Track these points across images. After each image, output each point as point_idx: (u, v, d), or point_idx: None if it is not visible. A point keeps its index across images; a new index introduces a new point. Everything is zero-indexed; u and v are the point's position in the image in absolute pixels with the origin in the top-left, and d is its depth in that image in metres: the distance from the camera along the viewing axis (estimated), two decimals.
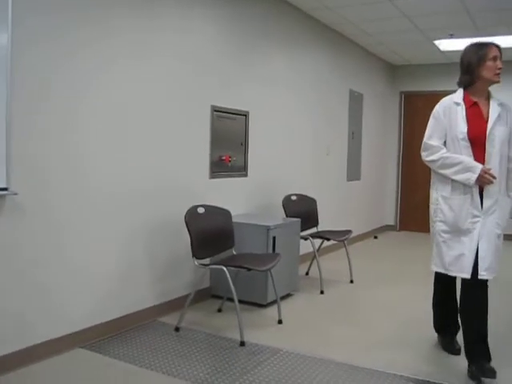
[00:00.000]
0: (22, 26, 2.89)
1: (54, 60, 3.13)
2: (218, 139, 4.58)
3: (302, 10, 5.84)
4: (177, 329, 3.73)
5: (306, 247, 5.23)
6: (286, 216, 5.03)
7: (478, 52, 3.03)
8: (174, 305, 4.09)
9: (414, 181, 8.79)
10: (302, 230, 4.97)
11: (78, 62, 3.28)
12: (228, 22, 4.69)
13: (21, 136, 2.93)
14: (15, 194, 2.85)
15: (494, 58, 3.01)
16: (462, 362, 3.13)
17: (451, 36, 6.70)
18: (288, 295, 4.67)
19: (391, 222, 9.10)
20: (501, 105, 3.11)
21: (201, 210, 3.89)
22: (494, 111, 3.05)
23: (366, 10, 5.76)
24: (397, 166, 9.05)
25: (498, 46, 3.06)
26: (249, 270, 3.66)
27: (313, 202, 5.54)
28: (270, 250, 4.28)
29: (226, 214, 4.16)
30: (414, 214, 8.84)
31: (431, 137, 3.14)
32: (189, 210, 3.76)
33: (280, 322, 3.94)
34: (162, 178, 4.00)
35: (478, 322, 3.00)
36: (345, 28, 6.63)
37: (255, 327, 3.84)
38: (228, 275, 3.53)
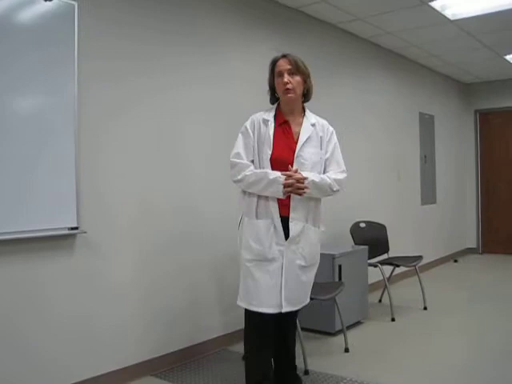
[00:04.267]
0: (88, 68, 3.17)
1: (119, 100, 3.38)
2: None
3: (362, 38, 5.90)
4: (244, 357, 3.81)
5: (378, 275, 5.17)
6: (355, 243, 5.03)
7: (270, 70, 2.96)
8: (242, 334, 4.17)
9: (496, 201, 8.48)
10: (371, 257, 4.94)
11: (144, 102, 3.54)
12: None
13: (88, 174, 3.16)
14: (85, 232, 3.08)
15: (279, 74, 2.86)
16: None
17: None
18: (358, 323, 4.64)
19: (473, 245, 8.72)
20: (314, 125, 2.93)
21: None
22: (304, 132, 2.88)
23: (428, 33, 5.73)
24: (476, 186, 8.71)
25: (286, 57, 2.88)
26: (312, 299, 3.69)
27: (382, 228, 5.49)
28: (337, 279, 4.29)
29: None
30: (497, 235, 8.49)
31: (238, 154, 2.87)
32: None
33: (347, 350, 3.93)
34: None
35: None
36: (409, 51, 6.60)
37: (321, 355, 3.86)
38: None
